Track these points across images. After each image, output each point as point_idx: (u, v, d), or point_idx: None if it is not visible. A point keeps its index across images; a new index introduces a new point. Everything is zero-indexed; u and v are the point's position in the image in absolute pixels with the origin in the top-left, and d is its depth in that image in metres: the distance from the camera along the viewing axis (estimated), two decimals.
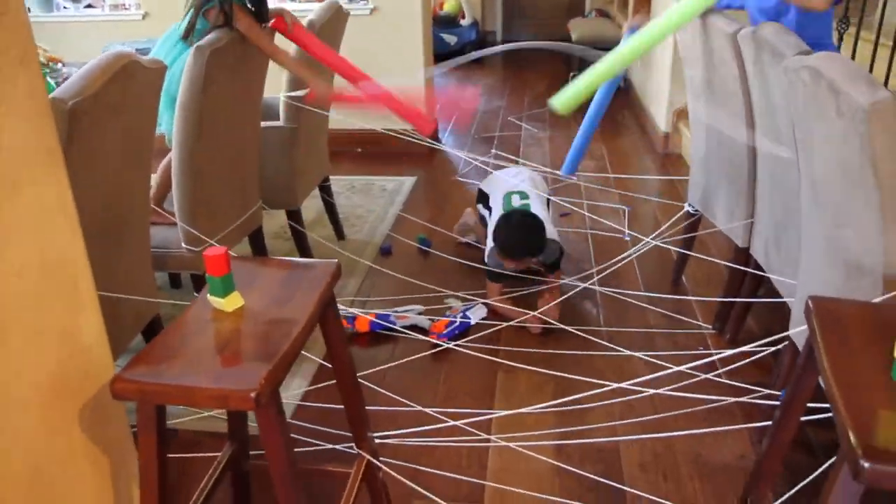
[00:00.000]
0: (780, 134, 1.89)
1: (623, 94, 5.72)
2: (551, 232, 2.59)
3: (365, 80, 2.49)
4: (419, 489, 1.79)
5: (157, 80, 1.73)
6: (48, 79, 2.34)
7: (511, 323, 2.47)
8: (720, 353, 2.25)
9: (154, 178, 2.34)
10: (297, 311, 1.19)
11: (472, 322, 2.49)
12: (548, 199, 2.91)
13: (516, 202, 2.67)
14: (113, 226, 1.67)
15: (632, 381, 2.07)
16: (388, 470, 1.64)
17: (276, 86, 2.62)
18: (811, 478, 1.48)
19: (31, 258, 1.04)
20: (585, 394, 2.04)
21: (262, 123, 2.54)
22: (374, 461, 1.47)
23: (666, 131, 4.30)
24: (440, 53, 6.82)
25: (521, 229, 2.52)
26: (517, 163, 4.03)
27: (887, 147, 1.20)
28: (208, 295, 1.21)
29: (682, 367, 2.04)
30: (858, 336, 1.09)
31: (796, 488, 1.45)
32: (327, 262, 1.35)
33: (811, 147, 1.56)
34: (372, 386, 2.18)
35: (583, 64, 6.24)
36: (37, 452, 1.05)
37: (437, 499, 1.77)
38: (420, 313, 2.54)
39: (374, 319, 2.46)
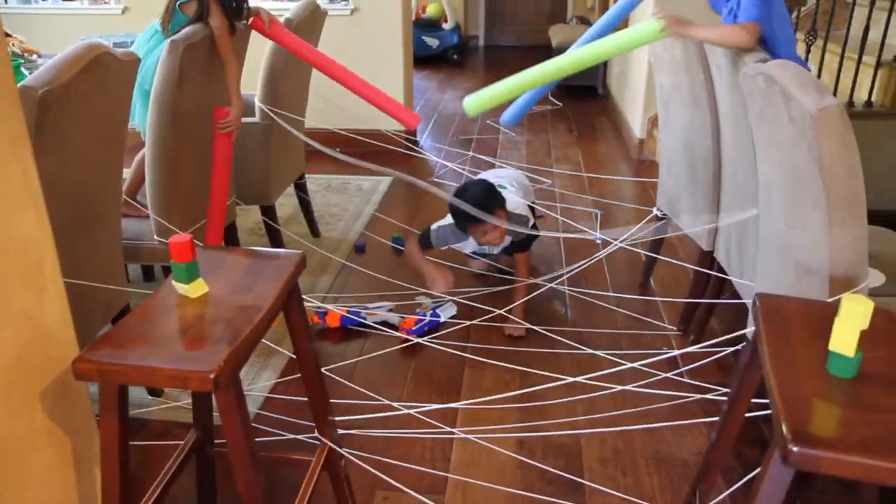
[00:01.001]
0: (741, 140, 1.95)
1: (601, 101, 5.80)
2: (517, 205, 2.56)
3: (346, 76, 2.49)
4: (384, 477, 1.82)
5: (131, 71, 1.75)
6: (23, 69, 2.35)
7: (476, 322, 2.51)
8: (680, 351, 2.30)
9: (128, 172, 2.36)
10: (260, 299, 1.22)
11: (442, 320, 2.53)
12: (532, 203, 2.88)
13: None
14: (83, 215, 1.68)
15: (593, 376, 2.12)
16: (349, 457, 1.68)
17: (252, 83, 2.64)
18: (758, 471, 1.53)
19: None
20: (548, 385, 2.09)
21: None
22: (336, 448, 1.50)
23: (641, 137, 4.37)
24: (422, 56, 6.88)
25: (474, 189, 2.49)
26: (494, 165, 4.07)
27: (833, 151, 1.26)
28: (173, 281, 1.23)
29: (640, 364, 2.09)
30: (799, 331, 1.14)
31: (744, 479, 1.51)
32: (292, 252, 1.38)
33: (766, 151, 1.62)
34: (340, 380, 2.20)
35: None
36: None
37: (401, 486, 1.80)
38: (390, 310, 2.57)
39: (346, 315, 2.48)
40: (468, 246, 2.68)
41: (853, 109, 3.17)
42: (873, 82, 3.20)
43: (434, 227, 2.61)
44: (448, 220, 2.57)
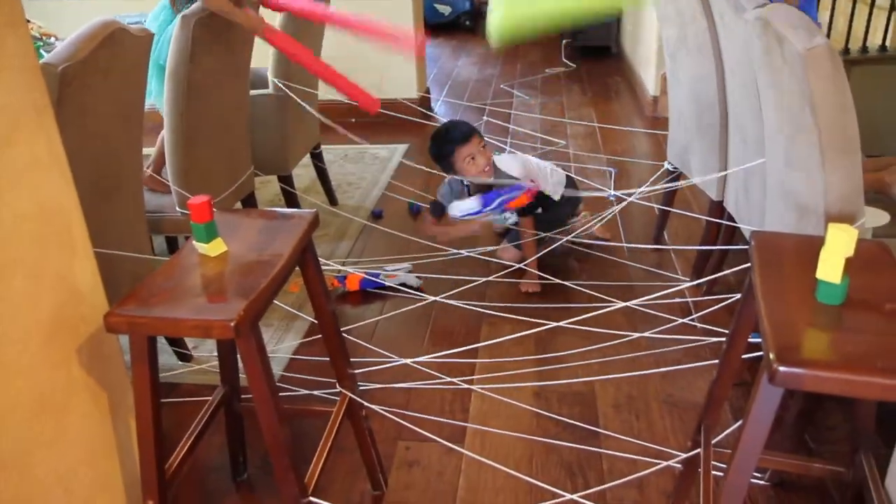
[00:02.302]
0: (746, 87, 1.97)
1: (614, 60, 5.77)
2: (507, 165, 2.56)
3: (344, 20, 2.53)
4: (407, 425, 1.91)
5: (145, 47, 1.82)
6: (42, 51, 2.43)
7: (493, 278, 2.56)
8: (692, 299, 2.34)
9: (151, 150, 2.44)
10: (276, 255, 1.29)
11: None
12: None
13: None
14: (104, 186, 1.76)
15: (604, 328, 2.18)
16: (370, 406, 1.75)
17: (263, 56, 2.70)
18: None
19: (27, 207, 1.13)
20: (562, 323, 2.14)
21: (252, 92, 2.63)
22: (356, 398, 1.58)
23: (655, 95, 4.36)
24: (434, 24, 6.87)
25: (445, 123, 2.57)
26: (507, 130, 4.11)
27: (824, 90, 1.28)
28: (194, 241, 1.30)
29: (651, 306, 2.14)
30: (791, 265, 1.18)
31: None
32: (305, 210, 1.44)
33: (767, 95, 1.64)
34: (359, 342, 2.28)
35: (575, 32, 6.23)
36: (41, 384, 1.16)
37: (423, 432, 1.88)
38: (409, 272, 2.63)
39: (365, 277, 2.55)
40: (472, 204, 2.56)
41: (867, 55, 3.14)
42: (887, 26, 3.17)
43: (439, 190, 2.66)
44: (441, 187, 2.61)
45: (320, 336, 2.22)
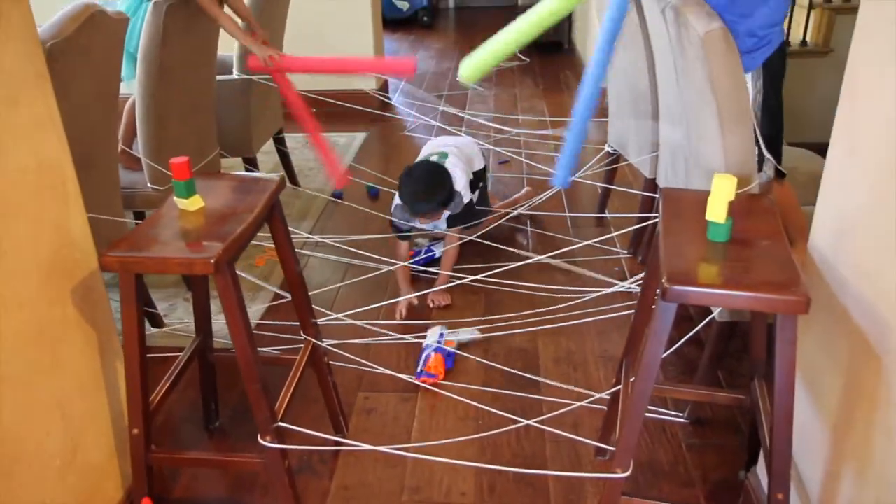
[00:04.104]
0: (671, 73, 2.19)
1: (567, 56, 6.02)
2: (462, 186, 2.59)
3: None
4: (367, 370, 2.10)
5: (121, 29, 1.97)
6: None
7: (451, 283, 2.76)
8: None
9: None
10: (248, 209, 1.46)
11: (437, 255, 2.73)
12: (483, 170, 2.88)
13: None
14: (82, 158, 1.90)
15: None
16: (332, 349, 1.93)
17: (230, 43, 2.85)
18: (688, 336, 1.83)
19: (28, 161, 1.29)
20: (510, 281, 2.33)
21: (218, 77, 2.78)
22: (319, 343, 1.76)
23: (604, 86, 4.59)
24: (393, 19, 7.04)
25: (422, 175, 2.51)
26: (462, 119, 4.31)
27: (720, 68, 1.50)
28: (174, 197, 1.47)
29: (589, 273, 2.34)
30: (691, 213, 1.39)
31: (676, 345, 1.80)
32: (272, 174, 1.62)
33: (683, 77, 1.86)
34: (322, 310, 2.46)
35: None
36: (40, 317, 1.31)
37: (382, 369, 2.06)
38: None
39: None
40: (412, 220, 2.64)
41: (789, 49, 3.42)
42: (807, 23, 3.45)
43: (392, 208, 2.63)
44: (396, 200, 2.60)
45: (286, 300, 2.40)
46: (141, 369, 1.43)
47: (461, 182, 2.62)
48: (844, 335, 1.26)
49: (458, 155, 2.77)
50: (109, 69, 1.96)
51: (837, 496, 1.29)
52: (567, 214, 3.07)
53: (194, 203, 1.47)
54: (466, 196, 2.64)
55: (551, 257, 2.73)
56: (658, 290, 1.18)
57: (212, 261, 1.26)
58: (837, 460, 1.30)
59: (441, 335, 2.26)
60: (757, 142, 1.79)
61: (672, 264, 1.20)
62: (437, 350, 2.19)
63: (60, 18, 1.70)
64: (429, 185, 2.51)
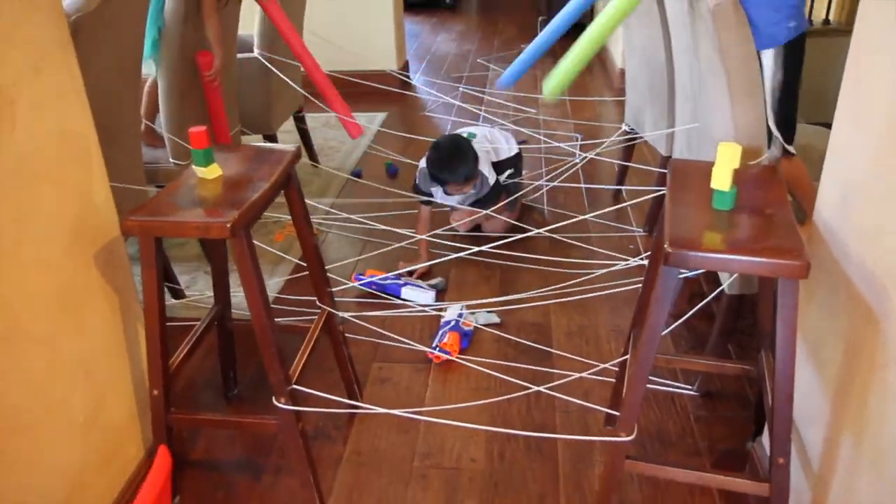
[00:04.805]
0: (687, 49, 2.19)
1: None
2: (486, 170, 2.64)
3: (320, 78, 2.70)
4: (383, 342, 2.15)
5: (144, 5, 2.01)
6: None
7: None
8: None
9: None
10: (264, 178, 1.50)
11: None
12: (516, 156, 2.87)
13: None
14: (106, 132, 1.95)
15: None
16: (348, 317, 1.97)
17: (251, 22, 2.90)
18: (694, 311, 1.84)
19: (53, 128, 1.34)
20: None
21: (239, 55, 2.82)
22: (334, 311, 1.80)
23: (622, 67, 4.58)
24: (413, 2, 7.05)
25: (449, 147, 2.57)
26: (482, 100, 4.32)
27: (730, 39, 1.51)
28: (193, 166, 1.52)
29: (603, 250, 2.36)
30: (698, 183, 1.41)
31: (673, 325, 1.81)
32: (288, 146, 1.66)
33: (697, 50, 1.87)
34: (339, 279, 2.50)
35: (552, 9, 6.41)
36: (64, 279, 1.37)
37: (398, 336, 2.11)
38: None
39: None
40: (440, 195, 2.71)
41: (811, 28, 3.38)
42: (830, 1, 3.41)
43: (416, 178, 2.69)
44: (421, 164, 2.66)
45: (304, 274, 2.45)
46: (161, 332, 1.48)
47: (485, 166, 2.67)
48: (846, 301, 1.28)
49: (481, 141, 2.78)
50: (132, 44, 2.01)
51: (836, 461, 1.31)
52: (582, 186, 3.09)
53: (212, 171, 1.51)
54: (492, 177, 2.68)
55: (561, 232, 2.73)
56: (662, 259, 1.20)
57: (228, 225, 1.30)
58: (837, 426, 1.32)
59: (460, 314, 2.29)
60: (767, 120, 1.80)
61: (675, 230, 1.22)
62: (454, 329, 2.22)
63: None
64: (454, 156, 2.56)
